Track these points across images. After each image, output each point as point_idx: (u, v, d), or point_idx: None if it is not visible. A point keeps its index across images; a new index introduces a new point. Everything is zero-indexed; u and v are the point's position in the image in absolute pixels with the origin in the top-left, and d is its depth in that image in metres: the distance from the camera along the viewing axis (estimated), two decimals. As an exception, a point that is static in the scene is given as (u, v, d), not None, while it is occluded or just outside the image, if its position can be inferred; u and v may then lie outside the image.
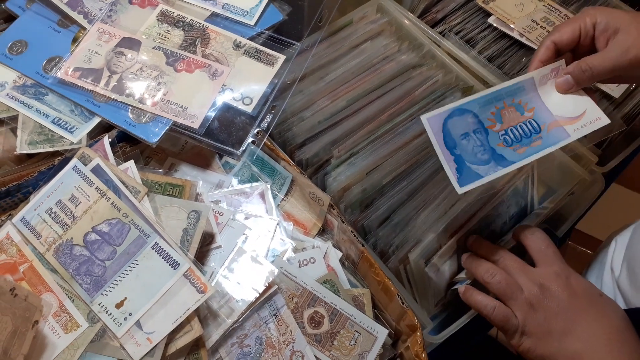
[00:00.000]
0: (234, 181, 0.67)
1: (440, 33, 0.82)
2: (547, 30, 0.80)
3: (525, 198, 0.69)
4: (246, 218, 0.63)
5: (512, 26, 0.81)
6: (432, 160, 0.68)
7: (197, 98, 0.65)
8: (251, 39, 0.70)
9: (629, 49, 0.53)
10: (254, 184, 0.66)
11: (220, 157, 0.70)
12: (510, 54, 0.80)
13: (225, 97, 0.65)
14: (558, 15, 0.83)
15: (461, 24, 0.84)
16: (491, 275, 0.55)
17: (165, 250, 0.54)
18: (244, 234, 0.62)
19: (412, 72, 0.76)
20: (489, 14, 0.84)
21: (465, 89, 0.76)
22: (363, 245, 0.59)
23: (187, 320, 0.52)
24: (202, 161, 0.69)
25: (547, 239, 0.57)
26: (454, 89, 0.75)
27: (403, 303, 0.56)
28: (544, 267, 0.55)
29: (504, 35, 0.82)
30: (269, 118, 0.65)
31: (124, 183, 0.58)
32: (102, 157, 0.59)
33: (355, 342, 0.57)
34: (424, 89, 0.74)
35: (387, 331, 0.58)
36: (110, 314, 0.52)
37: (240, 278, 0.58)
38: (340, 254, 0.63)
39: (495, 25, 0.82)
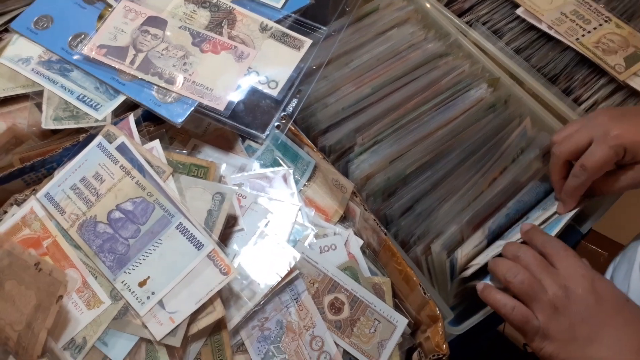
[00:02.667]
0: (256, 165, 0.67)
1: (467, 23, 0.81)
2: (577, 24, 0.79)
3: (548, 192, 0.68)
4: (269, 202, 0.63)
5: (541, 18, 0.80)
6: (457, 151, 0.67)
7: (223, 80, 0.64)
8: (278, 22, 0.69)
9: None
10: (277, 168, 0.66)
11: (243, 140, 0.69)
12: (538, 46, 0.79)
13: (251, 80, 0.65)
14: (588, 8, 0.81)
15: (488, 14, 0.83)
16: (513, 274, 0.53)
17: (189, 231, 0.54)
18: (266, 218, 0.61)
19: (438, 61, 0.75)
20: (517, 5, 0.82)
21: (491, 80, 0.75)
22: (385, 234, 0.59)
23: (210, 302, 0.52)
24: (225, 144, 0.68)
25: (562, 242, 0.56)
26: (480, 80, 0.74)
27: (425, 293, 0.55)
28: (568, 269, 0.53)
29: (532, 28, 0.81)
30: (294, 102, 0.64)
31: (149, 162, 0.57)
32: (127, 136, 0.59)
33: (375, 330, 0.57)
34: (449, 79, 0.73)
35: (406, 320, 0.58)
36: (133, 292, 0.52)
37: (263, 261, 0.57)
38: (361, 242, 0.62)
39: (523, 16, 0.81)
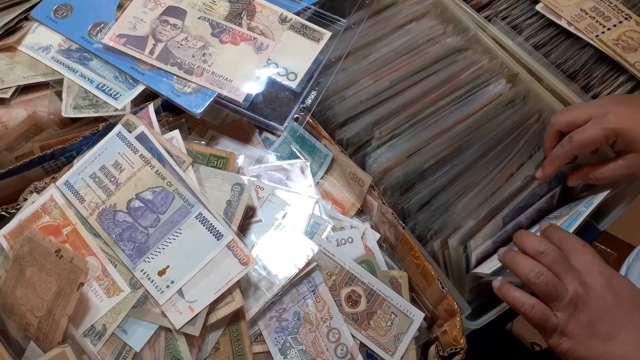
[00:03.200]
0: (273, 157, 0.67)
1: (485, 18, 0.80)
2: (597, 21, 0.78)
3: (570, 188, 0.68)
4: (285, 194, 0.63)
5: (561, 14, 0.79)
6: (475, 147, 0.67)
7: (242, 71, 0.64)
8: (297, 13, 0.69)
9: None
10: (294, 160, 0.66)
11: (260, 132, 0.69)
12: (557, 42, 0.78)
13: (270, 72, 0.65)
14: (608, 5, 0.81)
15: (507, 9, 0.82)
16: (537, 275, 0.51)
17: (209, 221, 0.54)
18: (283, 210, 0.61)
19: (457, 55, 0.75)
20: (536, 1, 0.82)
21: (510, 76, 0.74)
22: (403, 228, 0.58)
23: (229, 291, 0.52)
24: (243, 135, 0.68)
25: (579, 238, 0.56)
26: (498, 76, 0.74)
27: (443, 287, 0.55)
28: (586, 265, 0.52)
29: (552, 24, 0.80)
30: (313, 95, 0.64)
31: (168, 152, 0.57)
32: (146, 125, 0.59)
33: (392, 324, 0.57)
34: (468, 74, 0.73)
35: (423, 314, 0.58)
36: (152, 281, 0.52)
37: (280, 253, 0.57)
38: (378, 236, 0.62)
39: (542, 12, 0.80)
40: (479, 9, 0.82)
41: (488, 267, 0.60)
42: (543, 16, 0.80)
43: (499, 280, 0.56)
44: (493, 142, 0.68)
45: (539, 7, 0.81)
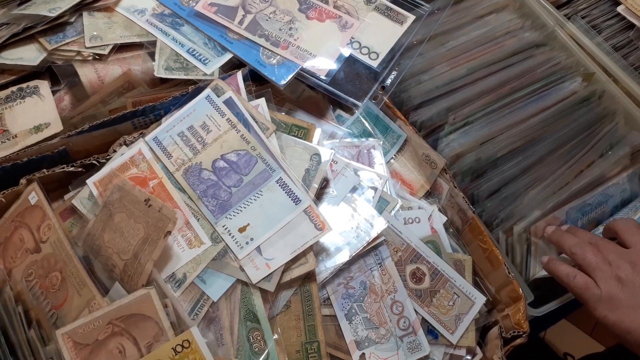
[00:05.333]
0: (346, 134, 0.69)
1: (565, 16, 0.80)
2: (680, 26, 0.77)
3: (634, 190, 0.68)
4: (356, 170, 0.65)
5: (643, 17, 0.78)
6: (548, 141, 0.67)
7: (326, 47, 0.66)
8: (382, -5, 0.71)
9: None
10: (367, 139, 0.68)
11: (334, 109, 0.71)
12: (637, 45, 0.78)
13: (352, 50, 0.66)
14: (692, 11, 0.79)
15: (587, 9, 0.82)
16: (580, 247, 0.55)
17: (288, 186, 0.57)
18: (354, 185, 0.63)
19: (534, 50, 0.75)
20: (618, 3, 0.81)
21: (586, 75, 0.74)
22: (474, 212, 0.60)
23: (303, 254, 0.54)
24: (317, 111, 0.70)
25: (635, 221, 0.57)
26: (574, 74, 0.74)
27: (509, 273, 0.56)
28: (637, 248, 0.54)
29: (631, 26, 0.79)
30: (393, 75, 0.66)
31: (254, 118, 0.60)
32: (234, 91, 0.61)
33: (454, 304, 0.59)
34: (544, 69, 0.73)
35: (484, 298, 0.59)
36: (233, 237, 0.55)
37: (351, 224, 0.59)
38: (445, 219, 0.64)
39: (623, 14, 0.80)
40: (558, 7, 0.82)
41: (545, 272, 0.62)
42: (624, 18, 0.80)
43: (546, 256, 0.58)
44: (565, 138, 0.68)
45: (620, 8, 0.80)
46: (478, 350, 0.58)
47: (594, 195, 0.66)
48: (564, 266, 0.56)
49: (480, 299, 0.59)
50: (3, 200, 0.58)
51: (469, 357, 0.58)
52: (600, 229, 0.64)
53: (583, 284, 0.53)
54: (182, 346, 0.49)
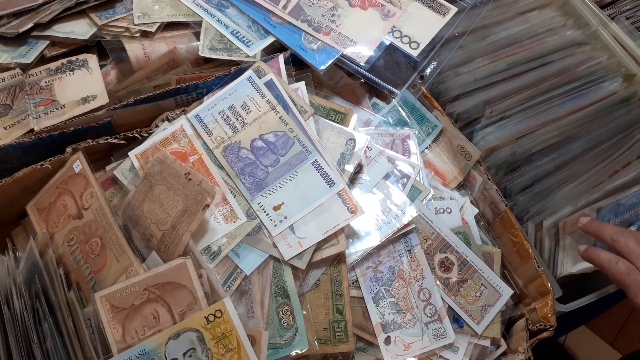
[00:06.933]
0: (381, 121, 0.70)
1: (608, 16, 0.79)
2: None
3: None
4: (390, 158, 0.66)
5: (690, 20, 0.77)
6: (584, 139, 0.67)
7: (367, 35, 0.67)
8: (425, -14, 0.71)
9: None
10: (401, 127, 0.68)
11: (370, 98, 0.72)
12: (681, 49, 0.76)
13: (393, 38, 0.67)
14: None
15: (631, 10, 0.81)
16: (622, 234, 0.54)
17: (323, 168, 0.58)
18: (387, 172, 0.64)
19: (575, 49, 0.74)
20: (664, 5, 0.80)
21: (627, 76, 0.73)
22: (506, 205, 0.60)
23: (335, 235, 0.55)
24: (354, 98, 0.71)
25: None
26: (615, 74, 0.73)
27: (539, 267, 0.57)
28: None
29: (677, 30, 0.78)
30: (432, 65, 0.66)
31: (293, 101, 0.61)
32: (275, 74, 0.63)
33: (480, 295, 0.59)
34: (584, 68, 0.72)
35: (512, 291, 0.59)
36: (267, 214, 0.56)
37: (382, 210, 0.60)
38: (476, 211, 0.64)
39: (669, 17, 0.79)
40: (602, 6, 0.81)
41: (577, 268, 0.62)
42: (669, 21, 0.79)
43: (583, 245, 0.57)
44: (602, 137, 0.68)
45: (666, 10, 0.79)
46: (502, 342, 0.59)
47: (628, 196, 0.65)
48: (605, 253, 0.55)
49: (507, 292, 0.59)
50: (49, 166, 0.60)
51: (492, 348, 0.58)
52: (634, 230, 0.64)
53: (625, 270, 0.52)
54: (215, 316, 0.50)
